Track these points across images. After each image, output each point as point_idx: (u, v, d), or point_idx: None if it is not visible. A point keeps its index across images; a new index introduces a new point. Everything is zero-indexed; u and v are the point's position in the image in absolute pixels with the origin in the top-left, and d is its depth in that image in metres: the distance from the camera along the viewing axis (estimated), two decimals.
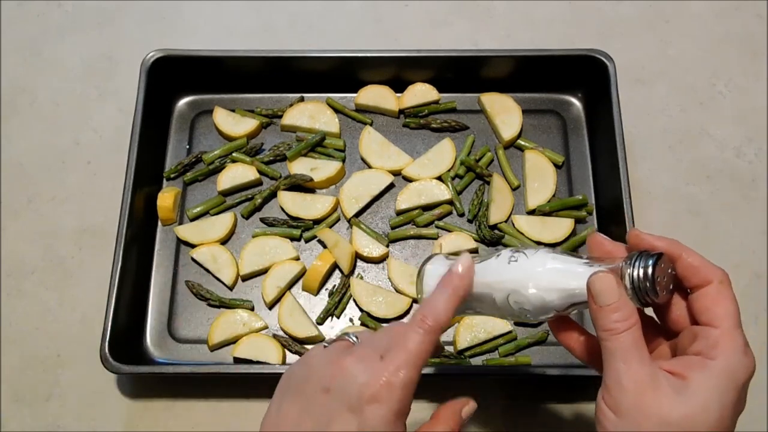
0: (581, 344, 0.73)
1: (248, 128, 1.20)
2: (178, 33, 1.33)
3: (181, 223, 1.16)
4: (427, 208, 1.15)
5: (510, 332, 1.06)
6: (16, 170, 1.21)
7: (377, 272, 1.12)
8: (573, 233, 1.12)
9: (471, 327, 1.05)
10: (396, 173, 1.17)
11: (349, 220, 1.14)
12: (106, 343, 0.98)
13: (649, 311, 0.70)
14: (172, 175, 1.18)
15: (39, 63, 1.31)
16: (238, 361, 1.05)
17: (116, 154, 1.19)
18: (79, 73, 1.30)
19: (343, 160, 1.19)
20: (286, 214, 1.15)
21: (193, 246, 1.13)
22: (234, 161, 1.18)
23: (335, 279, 1.11)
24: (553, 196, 1.15)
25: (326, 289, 1.11)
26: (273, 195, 1.16)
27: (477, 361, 1.05)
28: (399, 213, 1.15)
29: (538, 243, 1.12)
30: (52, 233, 1.16)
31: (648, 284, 0.62)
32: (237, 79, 1.22)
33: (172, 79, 1.19)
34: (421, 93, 1.21)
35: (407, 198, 1.15)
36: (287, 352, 1.06)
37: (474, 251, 1.11)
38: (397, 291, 1.09)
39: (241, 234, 1.15)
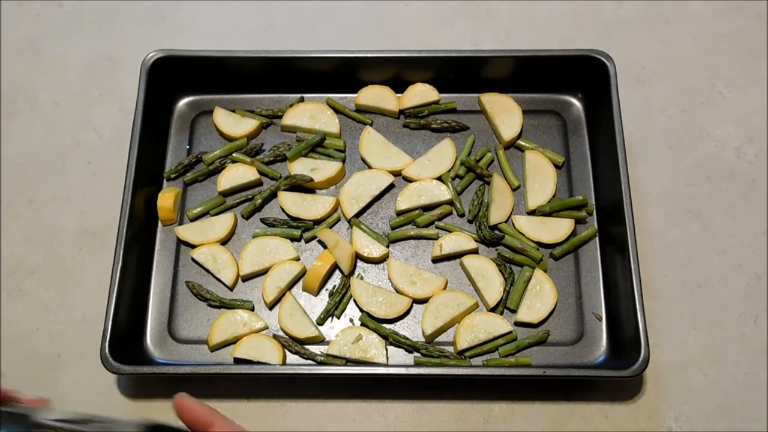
0: None
1: (248, 128, 1.20)
2: (178, 33, 1.33)
3: (181, 224, 1.16)
4: (427, 208, 1.15)
5: (510, 333, 1.06)
6: (16, 170, 1.21)
7: (377, 272, 1.12)
8: (573, 233, 1.12)
9: (471, 327, 1.05)
10: (396, 174, 1.17)
11: (349, 221, 1.14)
12: (106, 343, 0.99)
13: None
14: (173, 176, 1.18)
15: (39, 63, 1.31)
16: (238, 361, 1.05)
17: (116, 154, 1.19)
18: (79, 73, 1.30)
19: (344, 161, 1.19)
20: (287, 214, 1.15)
21: (193, 246, 1.13)
22: (234, 162, 1.18)
23: (335, 279, 1.11)
24: (554, 196, 1.15)
25: (326, 290, 1.11)
26: (273, 195, 1.16)
27: (477, 361, 1.05)
28: (399, 213, 1.15)
29: (538, 243, 1.12)
30: (52, 233, 1.17)
31: None
32: (237, 80, 1.22)
33: (172, 79, 1.19)
34: (421, 93, 1.21)
35: (407, 198, 1.15)
36: (287, 353, 1.06)
37: (474, 251, 1.12)
38: (398, 291, 1.09)
39: (241, 234, 1.15)
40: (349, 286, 1.10)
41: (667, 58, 1.30)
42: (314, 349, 1.06)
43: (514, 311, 1.08)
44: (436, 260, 1.12)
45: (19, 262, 1.14)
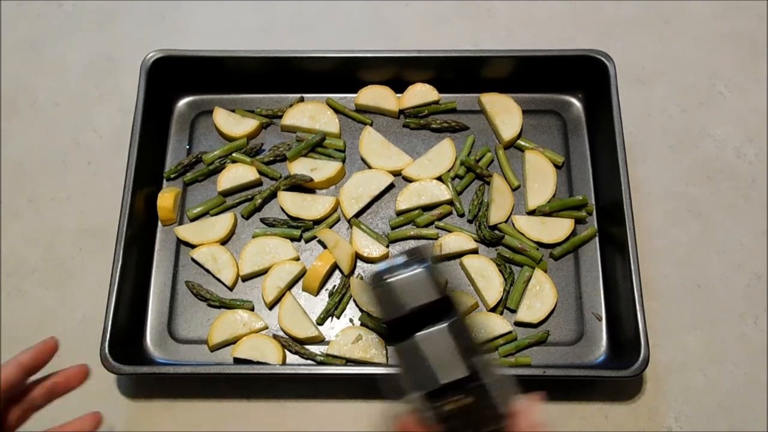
0: None
1: (248, 128, 1.20)
2: (178, 33, 1.33)
3: (181, 224, 1.16)
4: (427, 208, 1.15)
5: (510, 332, 1.06)
6: (16, 170, 1.21)
7: None
8: (573, 233, 1.12)
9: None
10: (396, 173, 1.17)
11: (349, 221, 1.14)
12: (106, 343, 0.99)
13: None
14: (172, 176, 1.18)
15: (39, 63, 1.31)
16: (238, 361, 1.05)
17: (116, 154, 1.19)
18: (79, 73, 1.30)
19: (343, 161, 1.19)
20: (286, 214, 1.15)
21: (193, 246, 1.13)
22: (234, 161, 1.18)
23: (335, 279, 1.11)
24: (553, 196, 1.15)
25: (326, 290, 1.11)
26: (273, 195, 1.16)
27: None
28: (399, 213, 1.15)
29: (538, 243, 1.12)
30: (52, 233, 1.16)
31: None
32: (237, 80, 1.22)
33: (172, 79, 1.19)
34: (421, 93, 1.21)
35: (407, 198, 1.15)
36: (287, 353, 1.06)
37: (473, 251, 1.12)
38: None
39: (241, 234, 1.15)
40: (349, 286, 1.10)
41: (667, 58, 1.30)
42: (314, 349, 1.06)
43: (513, 311, 1.08)
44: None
45: (19, 262, 1.14)
